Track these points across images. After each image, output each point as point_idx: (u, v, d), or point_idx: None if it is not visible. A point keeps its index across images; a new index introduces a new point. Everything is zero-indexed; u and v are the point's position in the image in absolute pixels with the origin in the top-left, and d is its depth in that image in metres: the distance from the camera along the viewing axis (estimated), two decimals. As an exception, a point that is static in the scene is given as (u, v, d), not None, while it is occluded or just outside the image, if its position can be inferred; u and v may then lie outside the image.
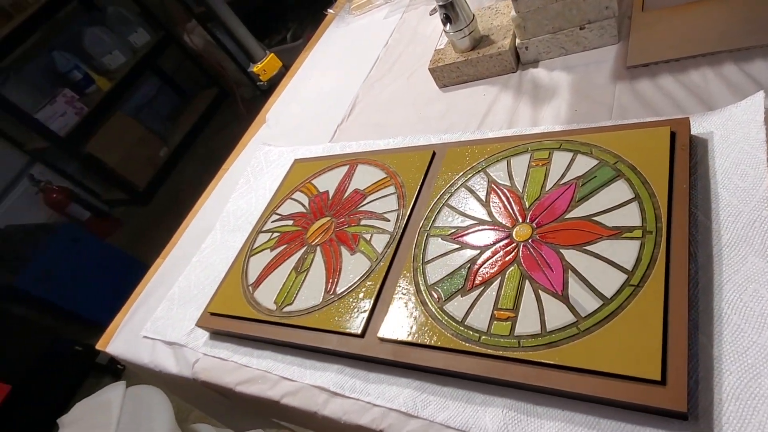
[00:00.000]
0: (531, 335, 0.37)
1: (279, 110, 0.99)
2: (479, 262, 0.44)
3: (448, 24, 0.65)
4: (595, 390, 0.33)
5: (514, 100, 0.61)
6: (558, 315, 0.37)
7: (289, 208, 0.67)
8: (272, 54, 1.18)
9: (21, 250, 1.94)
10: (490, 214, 0.47)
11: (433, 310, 0.43)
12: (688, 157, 0.40)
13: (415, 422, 0.41)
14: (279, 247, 0.62)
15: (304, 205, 0.66)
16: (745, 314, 0.32)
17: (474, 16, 0.65)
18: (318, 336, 0.50)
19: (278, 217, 0.67)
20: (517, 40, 0.63)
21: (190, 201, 0.95)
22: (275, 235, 0.65)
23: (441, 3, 0.63)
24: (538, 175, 0.47)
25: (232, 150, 0.98)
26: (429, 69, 0.70)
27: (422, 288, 0.46)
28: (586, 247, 0.40)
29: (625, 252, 0.37)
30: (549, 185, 0.46)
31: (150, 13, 2.51)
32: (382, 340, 0.45)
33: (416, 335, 0.43)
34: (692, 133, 0.43)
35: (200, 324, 0.62)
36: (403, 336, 0.44)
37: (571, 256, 0.40)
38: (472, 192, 0.51)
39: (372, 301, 0.48)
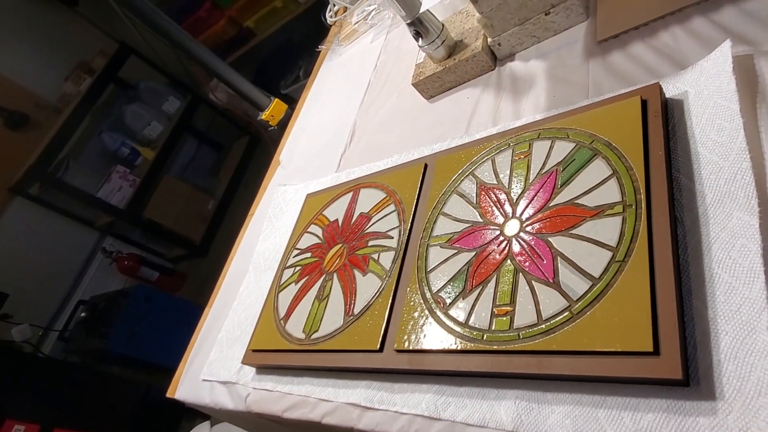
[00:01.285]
0: (528, 326, 0.37)
1: (290, 149, 1.04)
2: (475, 262, 0.45)
3: (420, 39, 0.67)
4: (595, 370, 0.33)
5: (495, 97, 0.61)
6: (552, 302, 0.37)
7: (306, 241, 0.71)
8: (276, 99, 1.25)
9: (107, 317, 2.11)
10: (481, 215, 0.48)
11: (441, 315, 0.44)
12: (661, 123, 0.39)
13: (439, 424, 0.41)
14: (302, 280, 0.65)
15: (318, 237, 0.69)
16: (734, 271, 0.31)
17: (443, 25, 0.66)
18: (344, 356, 0.52)
19: (298, 251, 0.71)
20: (488, 39, 0.63)
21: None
22: (297, 269, 0.68)
23: (408, 21, 0.65)
24: (522, 169, 0.47)
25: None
26: (412, 84, 0.72)
27: (428, 296, 0.47)
28: (571, 231, 0.39)
29: (608, 229, 0.37)
30: (532, 176, 0.46)
31: (176, 80, 2.71)
32: (399, 351, 0.46)
33: (428, 342, 0.44)
34: (667, 95, 0.42)
35: (245, 361, 0.66)
36: (416, 345, 0.45)
37: (558, 242, 0.40)
38: (462, 196, 0.51)
39: (386, 317, 0.50)
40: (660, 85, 0.41)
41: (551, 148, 0.46)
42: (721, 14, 0.43)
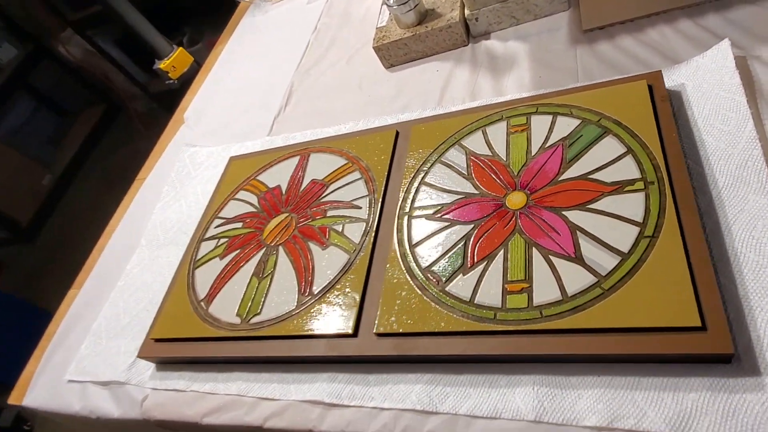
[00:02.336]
0: (552, 303, 0.35)
1: (199, 108, 0.89)
2: (475, 236, 0.41)
3: (395, -3, 0.62)
4: (635, 348, 0.31)
5: (472, 73, 0.59)
6: (576, 278, 0.35)
7: (233, 209, 0.60)
8: (181, 49, 1.08)
9: None
10: (476, 186, 0.45)
11: (434, 294, 0.40)
12: (669, 108, 0.40)
13: (436, 419, 0.36)
14: (230, 254, 0.55)
15: (252, 204, 0.59)
16: (760, 250, 0.33)
17: (418, -11, 0.62)
18: (300, 344, 0.44)
19: (222, 221, 0.59)
20: (467, 11, 0.61)
21: (89, 230, 0.83)
22: (223, 241, 0.57)
23: (385, -26, 0.60)
24: (520, 141, 0.45)
25: (138, 166, 0.86)
26: (374, 47, 0.66)
27: (416, 273, 0.42)
28: (589, 206, 0.38)
29: (631, 205, 0.37)
30: (534, 150, 0.44)
31: (16, 24, 2.20)
32: (381, 335, 0.40)
33: (420, 324, 0.39)
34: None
35: (143, 354, 0.52)
36: (405, 327, 0.39)
37: (575, 216, 0.38)
38: (449, 166, 0.48)
39: (359, 296, 0.43)
40: (662, 73, 0.43)
41: (553, 123, 0.45)
42: (707, 19, 0.47)
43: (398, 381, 0.39)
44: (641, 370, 0.32)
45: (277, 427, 0.43)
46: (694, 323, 0.30)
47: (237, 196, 0.61)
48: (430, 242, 0.43)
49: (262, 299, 0.48)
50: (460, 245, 0.41)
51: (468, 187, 0.45)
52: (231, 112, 0.83)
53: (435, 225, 0.44)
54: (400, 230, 0.45)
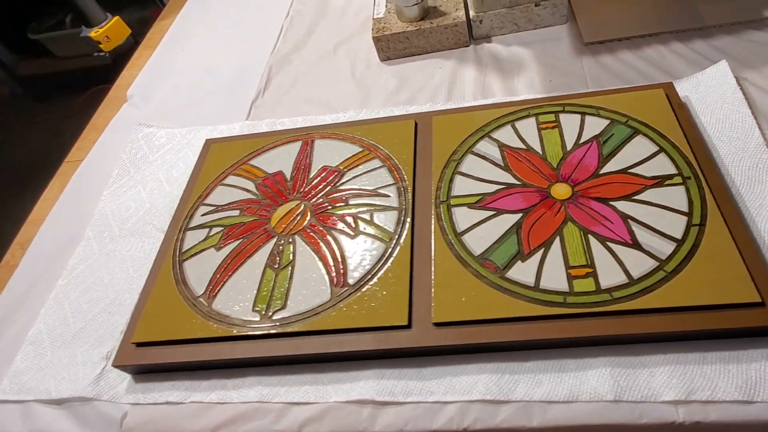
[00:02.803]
0: (620, 286, 0.36)
1: (145, 86, 0.79)
2: (525, 224, 0.42)
3: (403, -12, 0.61)
4: (703, 324, 0.34)
5: (478, 72, 0.61)
6: (639, 262, 0.37)
7: (223, 196, 0.54)
8: (117, 18, 0.95)
9: None
10: (516, 177, 0.46)
11: (494, 281, 0.39)
12: (689, 113, 0.45)
13: (508, 408, 0.36)
14: (229, 244, 0.49)
15: (248, 191, 0.53)
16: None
17: (426, -15, 0.63)
18: (342, 340, 0.40)
19: (211, 208, 0.53)
20: (472, 12, 0.63)
21: None
22: (217, 230, 0.51)
23: (398, -36, 0.59)
24: (553, 137, 0.47)
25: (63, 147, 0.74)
26: (373, 38, 0.65)
27: (470, 261, 0.41)
28: (634, 197, 0.41)
29: (675, 196, 0.40)
30: (569, 145, 0.46)
31: None
32: (439, 324, 0.38)
33: (483, 311, 0.38)
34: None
35: (120, 362, 0.44)
36: (465, 315, 0.38)
37: (623, 206, 0.41)
38: (483, 158, 0.48)
39: (407, 286, 0.41)
40: (673, 84, 0.48)
41: (583, 122, 0.48)
42: (694, 44, 0.54)
43: (458, 372, 0.38)
44: (707, 346, 0.35)
45: (318, 433, 0.39)
46: (753, 299, 0.33)
47: (226, 182, 0.55)
48: (479, 231, 0.43)
49: (284, 292, 0.44)
50: (512, 233, 0.42)
51: (508, 178, 0.46)
52: (190, 93, 0.75)
53: (480, 214, 0.44)
54: (440, 219, 0.45)
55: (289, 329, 0.41)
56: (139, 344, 0.44)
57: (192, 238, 0.51)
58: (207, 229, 0.51)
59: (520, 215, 0.43)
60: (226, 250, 0.49)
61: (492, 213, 0.44)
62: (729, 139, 0.44)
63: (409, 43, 0.65)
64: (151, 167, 0.65)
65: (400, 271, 0.42)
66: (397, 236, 0.45)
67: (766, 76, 0.49)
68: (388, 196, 0.48)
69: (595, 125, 0.47)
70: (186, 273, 0.48)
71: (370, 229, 0.46)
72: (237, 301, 0.44)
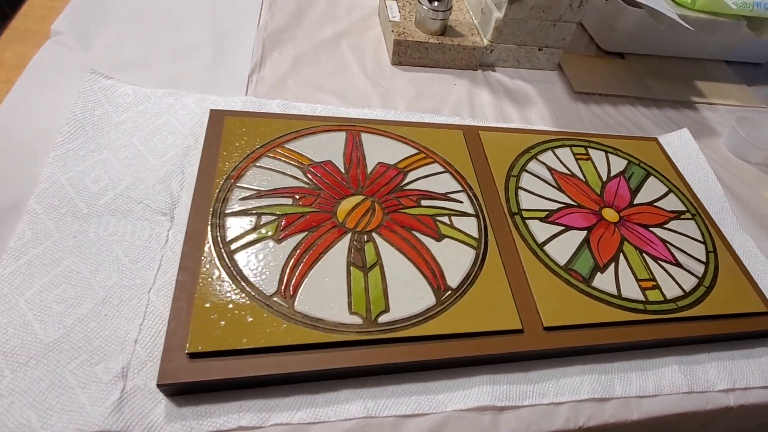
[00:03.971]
0: (679, 297, 0.45)
1: (80, 23, 0.63)
2: (592, 241, 0.48)
3: (435, 1, 0.63)
4: (743, 327, 0.45)
5: (493, 96, 0.66)
6: (685, 279, 0.47)
7: (264, 179, 0.47)
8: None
9: None
10: (571, 198, 0.52)
11: (583, 288, 0.44)
12: (675, 164, 0.59)
13: (611, 405, 0.40)
14: (291, 236, 0.43)
15: (296, 178, 0.48)
16: (755, 263, 0.52)
17: (452, 4, 0.66)
18: (454, 345, 0.39)
19: (251, 192, 0.46)
20: (486, 40, 0.69)
21: None
22: (269, 219, 0.44)
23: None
24: (589, 168, 0.56)
25: None
26: (395, 40, 0.65)
27: (557, 270, 0.45)
28: (665, 226, 0.51)
29: (691, 229, 0.52)
30: (604, 176, 0.55)
31: None
32: (548, 329, 0.41)
33: (582, 316, 0.42)
34: (641, 149, 0.63)
35: (169, 380, 0.34)
36: (569, 320, 0.42)
37: (660, 233, 0.51)
38: (537, 177, 0.53)
39: (509, 291, 0.43)
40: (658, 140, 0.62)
41: (607, 159, 0.57)
42: (651, 111, 0.70)
43: (562, 375, 0.41)
44: (730, 346, 0.46)
45: (439, 445, 0.37)
46: (762, 309, 0.46)
47: (261, 164, 0.48)
48: (556, 243, 0.47)
49: (381, 294, 0.40)
50: (584, 248, 0.47)
51: (564, 198, 0.52)
52: (149, 45, 0.62)
53: (552, 228, 0.48)
54: (518, 229, 0.48)
55: (399, 334, 0.38)
56: (194, 355, 0.35)
57: (236, 226, 0.43)
58: (254, 217, 0.44)
59: (585, 232, 0.49)
60: (291, 242, 0.42)
61: (562, 228, 0.49)
62: (700, 188, 0.59)
63: (426, 54, 0.67)
64: (119, 131, 0.52)
65: (497, 276, 0.44)
66: (483, 242, 0.46)
67: (702, 143, 0.67)
68: (461, 201, 0.49)
69: (617, 163, 0.57)
70: (241, 266, 0.40)
71: (454, 234, 0.46)
72: (326, 302, 0.39)
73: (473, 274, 0.43)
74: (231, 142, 0.49)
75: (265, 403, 0.36)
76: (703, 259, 0.49)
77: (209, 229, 0.42)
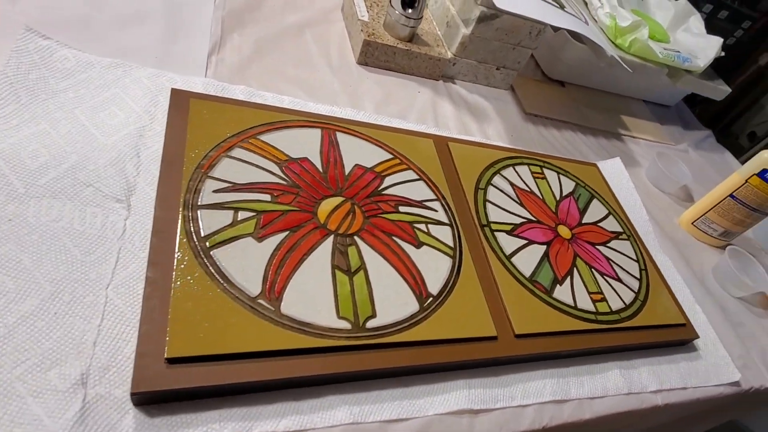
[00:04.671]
0: (621, 309, 0.51)
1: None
2: (551, 255, 0.53)
3: (409, 8, 0.65)
4: (663, 337, 0.52)
5: (455, 108, 0.70)
6: (624, 293, 0.53)
7: (238, 172, 0.45)
8: None
9: None
10: (532, 214, 0.56)
11: (546, 299, 0.48)
12: (611, 189, 0.67)
13: (569, 405, 0.45)
14: (272, 234, 0.42)
15: (273, 173, 0.46)
16: (671, 285, 0.61)
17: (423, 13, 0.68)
18: (435, 351, 0.41)
19: (226, 185, 0.44)
20: (450, 53, 0.72)
21: None
22: (246, 214, 0.42)
23: (419, -15, 0.63)
24: (545, 186, 0.61)
25: None
26: (365, 40, 0.65)
27: (524, 281, 0.49)
28: (607, 245, 0.58)
29: (627, 248, 0.59)
30: (557, 196, 0.60)
31: None
32: (519, 336, 0.45)
33: (546, 324, 0.46)
34: (581, 172, 0.71)
35: (147, 387, 0.32)
36: (537, 328, 0.46)
37: (604, 251, 0.57)
38: (501, 191, 0.57)
39: (483, 299, 0.45)
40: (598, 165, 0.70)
41: (559, 179, 0.63)
42: (589, 138, 0.79)
43: (527, 379, 0.45)
44: (651, 353, 0.53)
45: (422, 449, 0.38)
46: (682, 321, 0.54)
47: (233, 154, 0.46)
48: (521, 255, 0.51)
49: (367, 299, 0.41)
50: (545, 261, 0.52)
51: (525, 213, 0.56)
52: (93, 6, 0.56)
53: (517, 241, 0.52)
54: (488, 240, 0.51)
55: (386, 340, 0.39)
56: (173, 360, 0.33)
57: (212, 220, 0.40)
58: (231, 212, 0.41)
59: (545, 247, 0.53)
60: (272, 241, 0.41)
61: (525, 242, 0.53)
62: (630, 212, 0.68)
63: (393, 58, 0.68)
64: (58, 100, 0.46)
65: (473, 285, 0.46)
66: (458, 251, 0.48)
67: (628, 172, 0.76)
68: (436, 210, 0.51)
69: (567, 184, 0.63)
70: (221, 265, 0.38)
71: (431, 241, 0.48)
72: (313, 306, 0.38)
73: (451, 281, 0.45)
74: (198, 128, 0.46)
75: (247, 411, 0.35)
76: (638, 276, 0.57)
77: (181, 221, 0.39)
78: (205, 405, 0.34)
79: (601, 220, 0.61)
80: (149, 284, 0.36)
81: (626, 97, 0.94)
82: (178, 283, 0.36)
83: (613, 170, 0.73)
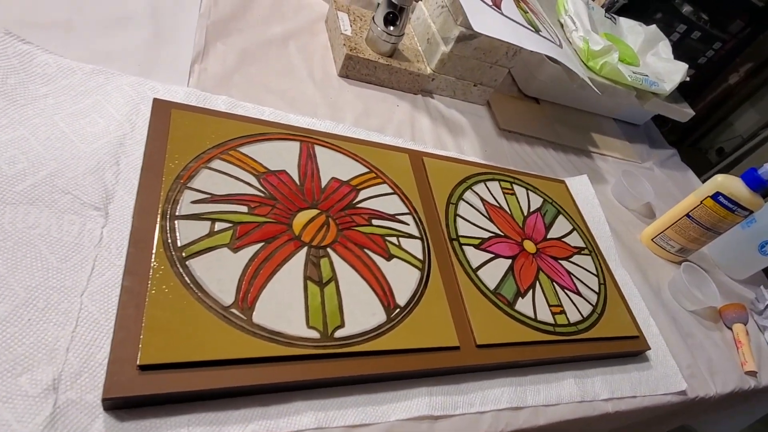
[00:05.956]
0: (578, 321, 0.54)
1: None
2: (515, 269, 0.55)
3: (391, 25, 0.67)
4: (617, 348, 0.55)
5: (432, 123, 0.71)
6: (582, 306, 0.56)
7: (217, 184, 0.46)
8: None
9: None
10: (499, 229, 0.58)
11: (508, 311, 0.50)
12: (577, 206, 0.69)
13: (524, 413, 0.47)
14: (247, 246, 0.43)
15: (251, 185, 0.47)
16: (628, 299, 0.64)
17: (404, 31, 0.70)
18: (399, 360, 0.43)
19: (205, 196, 0.45)
20: (429, 69, 0.73)
21: None
22: (223, 225, 0.43)
23: (396, 3, 0.64)
24: (514, 202, 0.63)
25: None
26: (347, 54, 0.67)
27: (488, 293, 0.51)
28: (570, 260, 0.60)
29: (588, 263, 0.61)
30: (525, 212, 0.63)
31: None
32: (481, 346, 0.47)
33: (507, 335, 0.48)
34: (550, 187, 0.73)
35: (118, 393, 0.33)
36: (498, 339, 0.48)
37: (566, 265, 0.59)
38: (471, 206, 0.59)
39: (448, 311, 0.47)
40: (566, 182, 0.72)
41: (528, 195, 0.65)
42: (560, 154, 0.81)
43: (486, 387, 0.47)
44: (614, 362, 0.55)
45: (383, 454, 0.40)
46: (633, 333, 0.57)
47: (213, 166, 0.47)
48: (487, 269, 0.53)
49: (337, 309, 0.42)
50: (509, 275, 0.54)
51: (493, 228, 0.58)
52: (75, 11, 0.56)
53: (484, 255, 0.54)
54: (456, 254, 0.53)
55: (353, 349, 0.41)
56: (145, 367, 0.34)
57: (189, 231, 0.41)
58: (208, 222, 0.43)
59: (510, 261, 0.55)
60: (247, 252, 0.42)
61: (492, 255, 0.55)
62: (594, 228, 0.70)
63: (374, 72, 0.70)
64: (38, 106, 0.47)
65: (439, 296, 0.48)
66: (427, 264, 0.50)
67: (595, 188, 0.79)
68: (408, 224, 0.52)
69: (535, 200, 0.65)
70: (196, 275, 0.39)
71: (402, 254, 0.49)
72: (284, 316, 0.40)
73: (419, 293, 0.47)
74: (179, 138, 0.47)
75: (215, 416, 0.36)
76: (596, 289, 0.59)
77: (158, 231, 0.40)
78: (175, 410, 0.35)
79: (565, 236, 0.64)
80: (125, 292, 0.37)
81: (598, 115, 0.97)
82: (153, 291, 0.37)
83: (581, 187, 0.75)
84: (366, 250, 0.48)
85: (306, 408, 0.39)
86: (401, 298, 0.46)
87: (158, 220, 0.41)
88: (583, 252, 0.63)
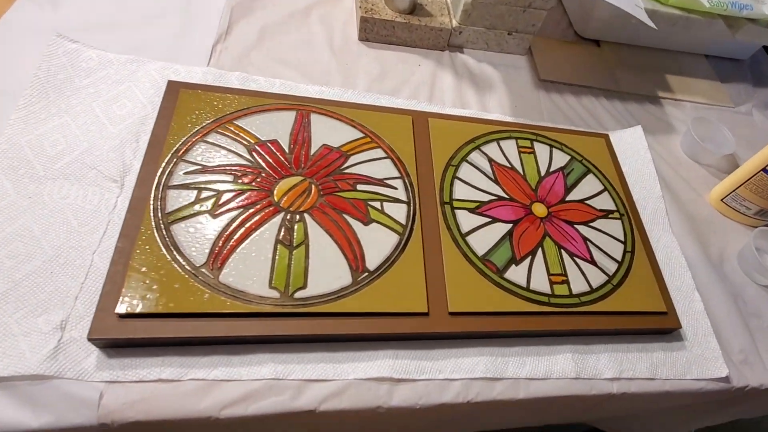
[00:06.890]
0: (585, 293, 0.48)
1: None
2: (515, 234, 0.51)
3: (403, -20, 0.63)
4: (632, 324, 0.48)
5: (455, 80, 0.67)
6: (595, 276, 0.50)
7: (209, 155, 0.50)
8: None
9: None
10: (505, 191, 0.54)
11: (495, 279, 0.47)
12: (618, 163, 0.60)
13: (502, 384, 0.45)
14: (228, 212, 0.46)
15: (240, 155, 0.50)
16: (673, 268, 0.55)
17: (423, -18, 0.65)
18: (363, 322, 0.43)
19: (196, 167, 0.49)
20: (454, 22, 0.69)
21: None
22: (208, 194, 0.47)
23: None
24: (531, 161, 0.57)
25: None
26: (361, 17, 0.65)
27: (474, 260, 0.48)
28: (590, 224, 0.54)
29: (615, 228, 0.54)
30: (542, 171, 0.57)
31: None
32: (453, 314, 0.45)
33: (488, 304, 0.46)
34: (596, 143, 0.64)
35: (99, 335, 0.39)
36: (474, 307, 0.45)
37: (583, 230, 0.53)
38: (476, 168, 0.55)
39: (423, 276, 0.46)
40: (609, 136, 0.63)
41: (551, 153, 0.59)
42: (614, 104, 0.71)
43: (461, 355, 0.45)
44: (625, 339, 0.49)
45: (337, 409, 0.41)
46: (661, 309, 0.49)
47: (209, 139, 0.51)
48: (479, 234, 0.50)
49: (303, 271, 0.44)
50: (506, 240, 0.50)
51: (498, 191, 0.54)
52: (115, 7, 0.63)
53: (479, 219, 0.51)
54: (445, 218, 0.50)
55: (312, 309, 0.42)
56: (123, 315, 0.40)
57: (176, 199, 0.46)
58: (195, 191, 0.47)
59: (510, 225, 0.51)
60: (225, 218, 0.46)
61: (489, 220, 0.51)
62: (640, 188, 0.61)
63: (393, 32, 0.68)
64: (80, 96, 0.54)
65: (415, 262, 0.47)
66: (409, 228, 0.49)
67: (658, 141, 0.68)
68: (396, 188, 0.52)
69: (560, 158, 0.59)
70: (177, 237, 0.44)
71: (382, 219, 0.49)
72: (249, 276, 0.43)
73: (392, 258, 0.47)
74: (183, 116, 0.52)
75: (185, 360, 0.41)
76: (619, 258, 0.52)
77: (151, 199, 0.46)
78: (151, 352, 0.41)
79: (591, 197, 0.56)
80: (117, 252, 0.43)
81: (681, 53, 0.81)
82: (138, 252, 0.43)
83: (631, 140, 0.65)
84: (345, 215, 0.48)
85: (267, 360, 0.42)
86: (372, 263, 0.46)
87: (152, 189, 0.46)
88: (611, 215, 0.55)
